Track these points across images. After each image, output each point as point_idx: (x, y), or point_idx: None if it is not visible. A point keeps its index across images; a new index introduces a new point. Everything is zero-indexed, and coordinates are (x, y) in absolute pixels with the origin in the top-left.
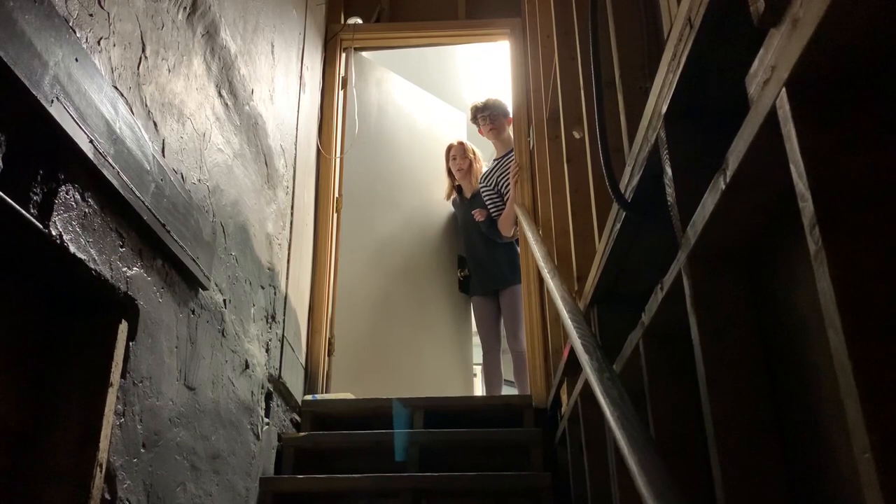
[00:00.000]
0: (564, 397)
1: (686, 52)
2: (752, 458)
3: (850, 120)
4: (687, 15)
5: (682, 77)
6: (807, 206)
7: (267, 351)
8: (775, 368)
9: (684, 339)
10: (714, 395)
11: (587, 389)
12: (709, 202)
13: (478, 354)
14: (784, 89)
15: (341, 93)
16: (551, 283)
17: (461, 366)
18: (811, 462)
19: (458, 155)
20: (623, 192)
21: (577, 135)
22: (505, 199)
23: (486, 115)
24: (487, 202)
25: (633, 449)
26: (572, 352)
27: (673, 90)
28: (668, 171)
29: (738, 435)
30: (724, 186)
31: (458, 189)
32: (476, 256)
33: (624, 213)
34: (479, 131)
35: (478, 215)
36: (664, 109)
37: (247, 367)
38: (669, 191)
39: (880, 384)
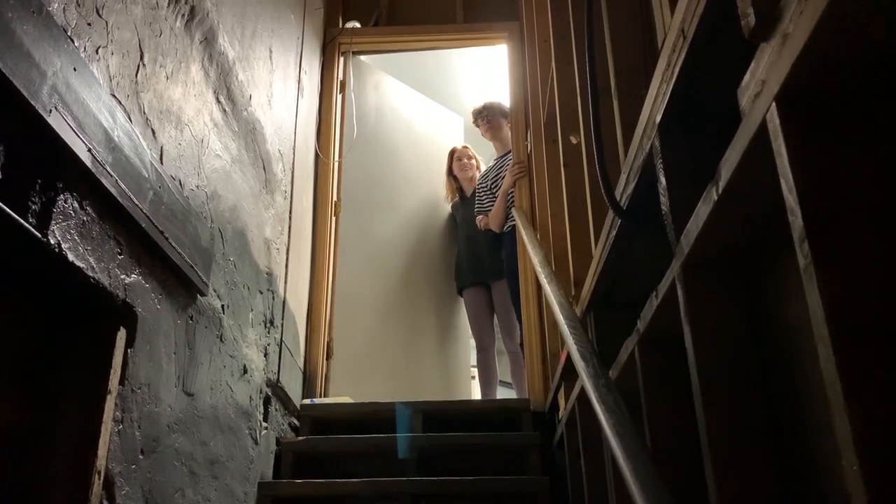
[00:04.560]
0: (562, 401)
1: (679, 63)
2: (746, 467)
3: (840, 135)
4: (680, 26)
5: (676, 87)
6: (796, 220)
7: (265, 355)
8: (769, 377)
9: (679, 346)
10: (708, 404)
11: (584, 394)
12: (702, 212)
13: (475, 356)
14: (774, 104)
15: (339, 97)
16: (548, 289)
17: (459, 369)
18: (804, 471)
19: (463, 157)
20: (619, 199)
21: (573, 140)
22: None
23: (484, 117)
24: (479, 200)
25: (627, 456)
26: (570, 356)
27: (667, 99)
28: (662, 179)
29: (732, 443)
30: (716, 197)
31: (459, 190)
32: (475, 248)
33: (619, 220)
34: (482, 133)
35: (482, 223)
36: (658, 118)
37: (245, 372)
38: (663, 199)
39: (868, 398)
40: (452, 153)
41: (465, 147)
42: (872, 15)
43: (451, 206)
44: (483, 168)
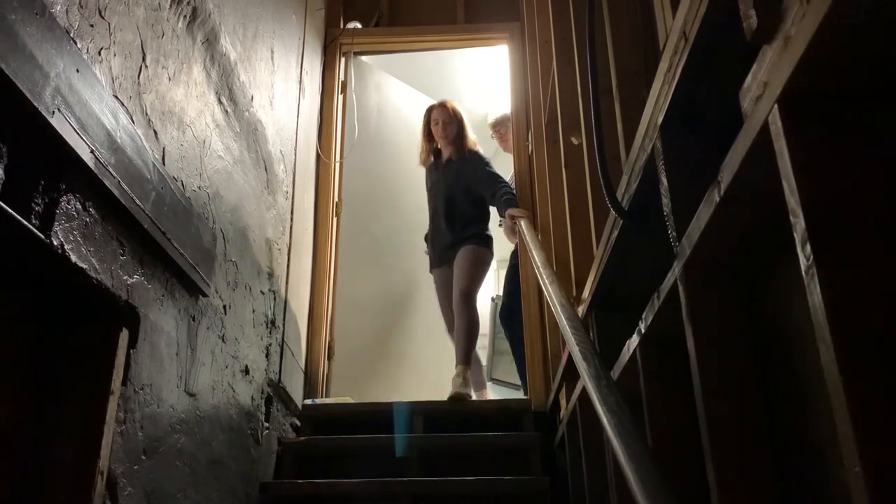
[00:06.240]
0: (563, 401)
1: (681, 64)
2: (747, 468)
3: (842, 137)
4: (682, 28)
5: (678, 88)
6: (798, 222)
7: (267, 356)
8: (770, 379)
9: (681, 346)
10: (709, 405)
11: (585, 395)
12: (704, 214)
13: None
14: (776, 106)
15: (341, 97)
16: (550, 289)
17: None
18: (805, 473)
19: (441, 119)
20: (620, 200)
21: (575, 141)
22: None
23: (497, 130)
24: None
25: (629, 458)
26: (571, 357)
27: (669, 101)
28: (664, 181)
29: (733, 444)
30: (718, 199)
31: (437, 153)
32: (445, 225)
33: (621, 221)
34: (498, 143)
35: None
36: (660, 120)
37: (247, 372)
38: (665, 201)
39: (870, 400)
40: (429, 113)
41: (442, 106)
42: (874, 17)
43: (426, 169)
44: (468, 127)
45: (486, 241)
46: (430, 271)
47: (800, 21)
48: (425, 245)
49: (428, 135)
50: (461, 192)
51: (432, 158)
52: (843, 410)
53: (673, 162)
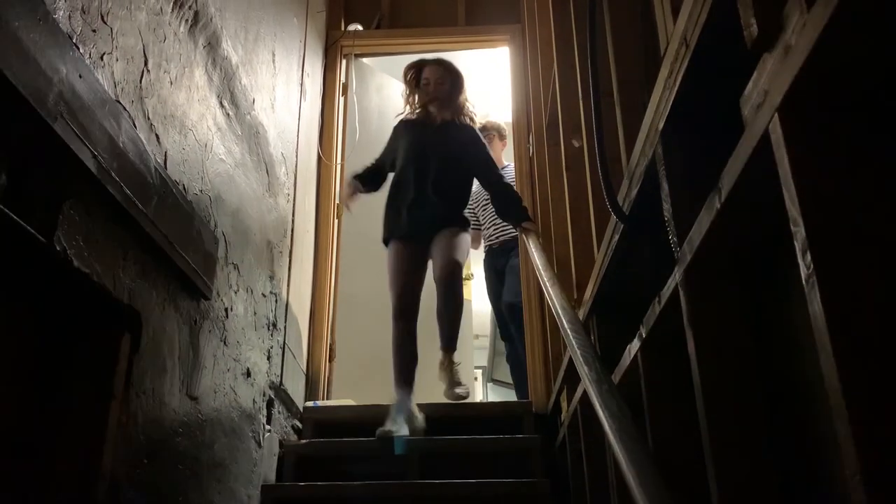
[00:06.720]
0: (564, 404)
1: (682, 71)
2: (748, 472)
3: (843, 146)
4: (683, 34)
5: (679, 94)
6: (799, 231)
7: (268, 358)
8: (771, 383)
9: (682, 351)
10: (710, 410)
11: (586, 398)
12: (704, 220)
13: (478, 358)
14: (776, 114)
15: (342, 99)
16: (551, 292)
17: (462, 370)
18: (806, 477)
19: (433, 79)
20: (621, 204)
21: (576, 143)
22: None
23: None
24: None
25: (630, 462)
26: (572, 360)
27: (669, 107)
28: (665, 186)
29: (735, 448)
30: (718, 206)
31: (424, 109)
32: (428, 196)
33: (622, 225)
34: None
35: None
36: (661, 125)
37: (248, 374)
38: (666, 206)
39: (870, 408)
40: (419, 71)
41: (437, 63)
42: (874, 28)
43: (401, 124)
44: (465, 88)
45: (467, 225)
46: (390, 241)
47: (800, 30)
48: (353, 180)
49: (416, 85)
50: (454, 165)
51: (413, 113)
52: (843, 417)
53: (674, 167)
